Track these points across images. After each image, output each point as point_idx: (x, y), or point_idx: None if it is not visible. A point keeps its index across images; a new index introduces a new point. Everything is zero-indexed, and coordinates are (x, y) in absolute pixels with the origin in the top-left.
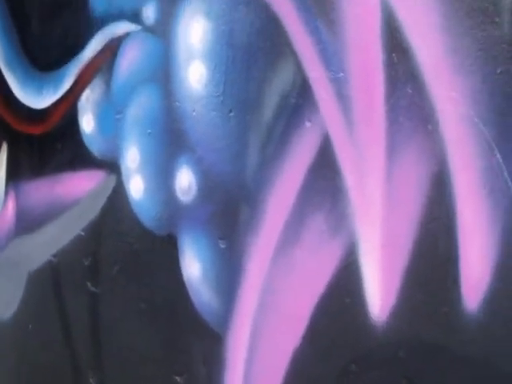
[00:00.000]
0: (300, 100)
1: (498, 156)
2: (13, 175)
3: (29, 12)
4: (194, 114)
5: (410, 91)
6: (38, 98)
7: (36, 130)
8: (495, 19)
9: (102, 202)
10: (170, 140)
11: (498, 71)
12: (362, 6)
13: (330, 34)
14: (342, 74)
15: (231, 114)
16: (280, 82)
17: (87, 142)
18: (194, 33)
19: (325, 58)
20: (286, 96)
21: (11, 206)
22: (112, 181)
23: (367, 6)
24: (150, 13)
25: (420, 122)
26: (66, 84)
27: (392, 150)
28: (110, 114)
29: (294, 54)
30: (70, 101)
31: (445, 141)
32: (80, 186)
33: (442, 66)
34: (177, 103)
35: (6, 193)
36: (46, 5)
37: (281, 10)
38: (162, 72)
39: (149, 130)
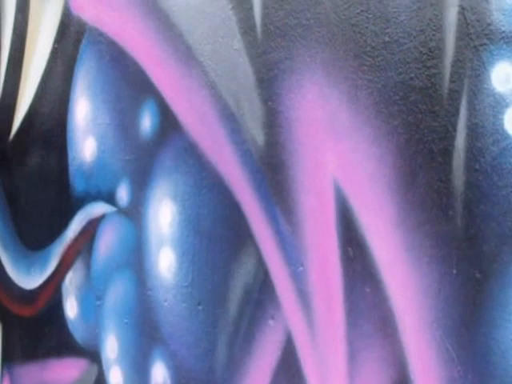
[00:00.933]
0: (263, 295)
1: (459, 368)
2: (7, 357)
3: (18, 185)
4: (166, 304)
5: (368, 290)
6: (27, 278)
7: (26, 312)
8: (448, 212)
9: None
10: (145, 331)
11: (454, 271)
12: (317, 197)
13: (288, 224)
14: (301, 268)
15: (200, 307)
16: (243, 275)
17: (71, 328)
18: (163, 217)
19: (284, 250)
20: (250, 290)
21: None
22: (94, 371)
23: (322, 197)
24: (123, 194)
25: (379, 326)
26: (52, 265)
27: (352, 356)
28: (91, 300)
29: (255, 244)
30: (55, 283)
31: (405, 347)
32: (66, 374)
33: (398, 263)
34: (149, 292)
35: (2, 375)
36: (34, 179)
37: (242, 197)
38: (136, 257)
39: (125, 320)
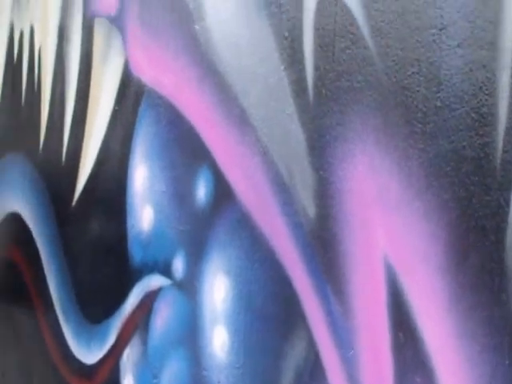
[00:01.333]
0: (313, 380)
1: None
2: None
3: (79, 252)
4: None
5: (418, 380)
6: (87, 353)
7: None
8: (501, 296)
9: None
10: None
11: (507, 362)
12: (367, 275)
13: (339, 303)
14: (352, 352)
15: None
16: (294, 357)
17: None
18: (217, 292)
19: (335, 332)
20: (301, 373)
21: None
22: None
23: (373, 276)
24: (179, 266)
25: None
26: (110, 340)
27: None
28: (148, 378)
29: (306, 324)
30: (113, 359)
31: None
32: None
33: (449, 350)
34: (204, 372)
35: None
36: (95, 246)
37: (293, 273)
38: (191, 334)
39: None
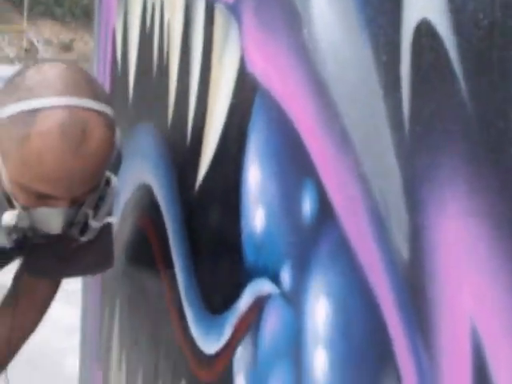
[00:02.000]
0: None
1: None
2: None
3: (201, 242)
4: None
5: None
6: (205, 341)
7: (204, 377)
8: None
9: None
10: None
11: None
12: (453, 337)
13: (429, 358)
14: None
15: None
16: None
17: None
18: (318, 314)
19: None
20: None
21: None
22: None
23: (458, 340)
24: (286, 277)
25: None
26: (226, 334)
27: None
28: (257, 382)
29: (397, 372)
30: (228, 353)
31: None
32: None
33: None
34: None
35: None
36: (214, 237)
37: (388, 317)
38: (294, 350)
39: None
